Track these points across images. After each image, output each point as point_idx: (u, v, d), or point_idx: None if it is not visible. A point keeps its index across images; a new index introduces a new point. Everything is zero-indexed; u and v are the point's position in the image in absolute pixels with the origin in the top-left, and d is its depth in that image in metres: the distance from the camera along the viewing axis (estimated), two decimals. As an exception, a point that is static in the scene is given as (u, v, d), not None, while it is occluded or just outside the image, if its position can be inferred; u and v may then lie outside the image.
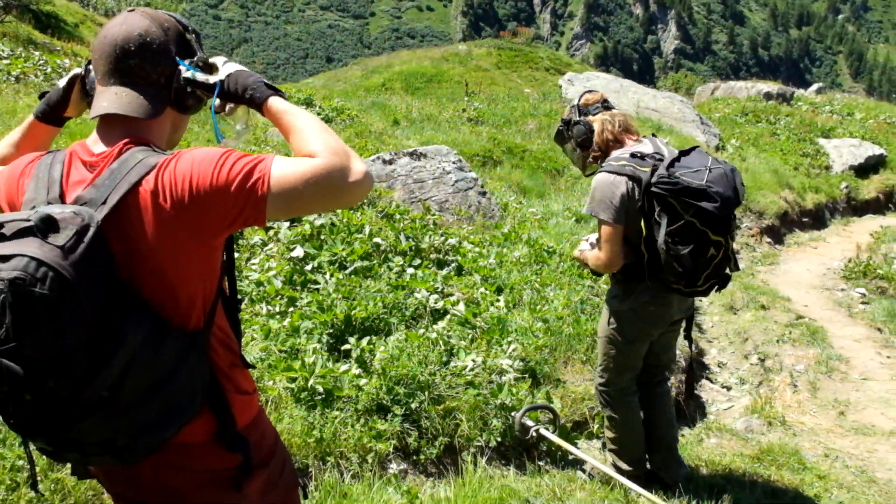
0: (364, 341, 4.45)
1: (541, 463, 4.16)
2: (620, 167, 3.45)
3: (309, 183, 1.51)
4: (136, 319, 1.48)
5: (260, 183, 1.51)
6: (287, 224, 6.11)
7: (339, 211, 6.53)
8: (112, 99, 1.63)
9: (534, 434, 4.03)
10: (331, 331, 4.60)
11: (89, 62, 1.76)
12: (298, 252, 5.57)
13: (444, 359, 4.47)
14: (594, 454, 4.24)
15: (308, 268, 5.47)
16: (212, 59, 1.80)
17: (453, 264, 6.16)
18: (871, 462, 4.55)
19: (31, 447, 1.67)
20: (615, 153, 3.59)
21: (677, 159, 3.39)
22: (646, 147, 3.57)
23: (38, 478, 2.90)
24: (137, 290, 1.53)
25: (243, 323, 4.61)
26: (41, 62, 13.24)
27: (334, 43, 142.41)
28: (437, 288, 5.46)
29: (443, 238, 6.50)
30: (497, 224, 7.56)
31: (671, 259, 3.33)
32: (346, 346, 4.44)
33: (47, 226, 1.40)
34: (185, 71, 1.70)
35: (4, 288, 1.32)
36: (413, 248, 6.14)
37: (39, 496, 2.80)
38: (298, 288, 5.19)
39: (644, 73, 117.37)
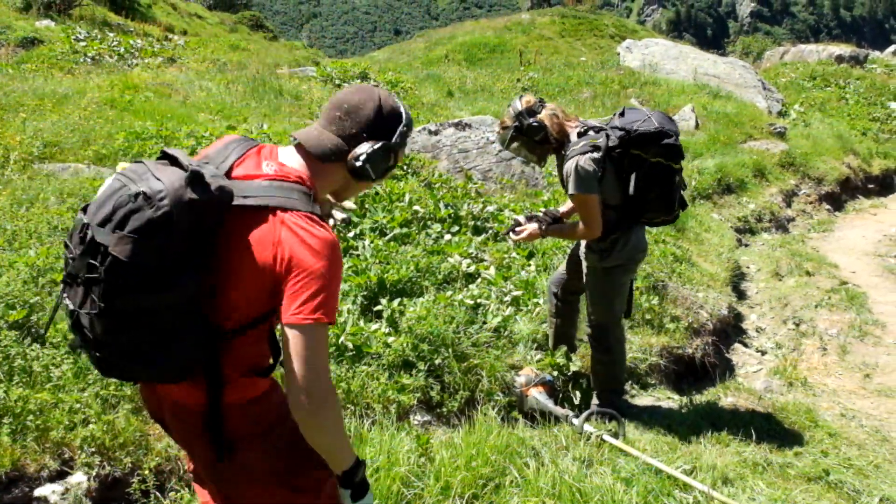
0: (395, 302, 4.73)
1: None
2: (583, 147, 3.87)
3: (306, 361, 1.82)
4: (196, 277, 1.79)
5: (314, 313, 1.81)
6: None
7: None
8: (308, 132, 2.03)
9: (596, 439, 3.98)
10: (365, 293, 4.90)
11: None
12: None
13: (470, 318, 4.73)
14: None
15: (350, 235, 5.78)
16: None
17: (491, 231, 6.39)
18: (888, 423, 4.61)
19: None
20: (573, 138, 3.98)
21: (622, 116, 3.93)
22: (588, 122, 4.05)
23: (93, 420, 3.28)
24: (212, 265, 1.84)
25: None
26: (115, 43, 13.92)
27: (402, 15, 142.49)
28: (471, 253, 5.70)
29: (482, 206, 6.73)
30: (537, 192, 7.73)
31: (655, 197, 3.91)
32: (378, 307, 4.74)
33: (195, 178, 1.76)
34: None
35: (132, 198, 1.71)
36: (452, 215, 6.39)
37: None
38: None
39: (718, 38, 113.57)
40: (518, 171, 8.06)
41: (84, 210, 1.80)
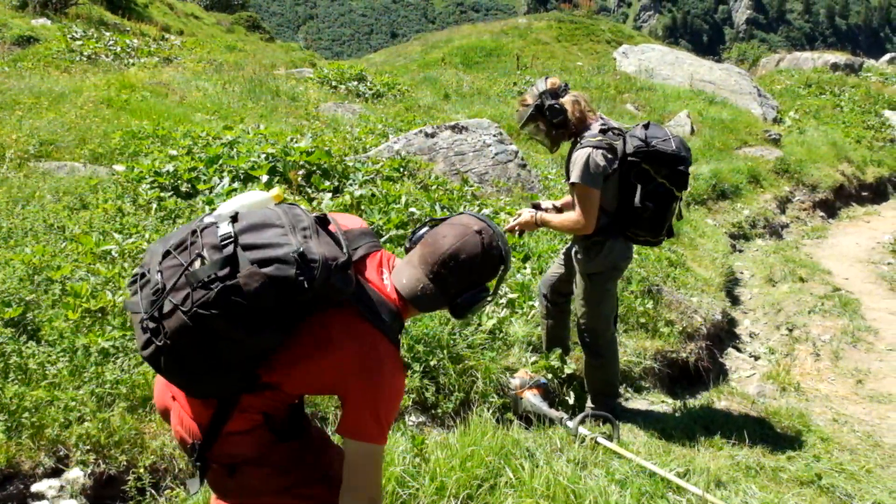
0: (390, 304, 4.73)
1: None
2: (599, 142, 3.86)
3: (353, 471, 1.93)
4: (280, 336, 1.82)
5: (356, 430, 1.90)
6: (329, 195, 6.43)
7: (378, 182, 6.84)
8: (412, 283, 2.04)
9: (590, 441, 3.98)
10: (360, 294, 4.89)
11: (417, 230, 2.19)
12: (337, 221, 5.89)
13: (465, 320, 4.74)
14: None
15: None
16: None
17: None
18: (880, 428, 4.64)
19: None
20: (592, 129, 3.96)
21: (646, 129, 3.91)
22: (610, 122, 4.01)
23: (88, 418, 3.28)
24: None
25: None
26: (111, 42, 13.90)
27: (399, 18, 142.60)
28: (466, 255, 5.70)
29: (478, 209, 6.75)
30: (534, 195, 7.75)
31: (647, 216, 3.89)
32: (375, 308, 4.74)
33: (346, 266, 1.82)
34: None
35: (292, 254, 1.75)
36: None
37: None
38: (336, 255, 5.50)
39: (714, 45, 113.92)
40: (514, 175, 8.09)
41: (234, 219, 1.81)
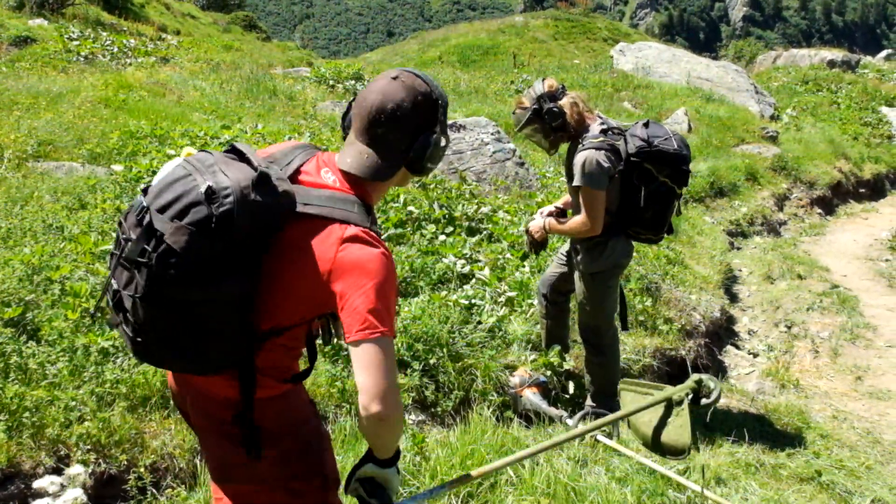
0: (390, 302, 4.73)
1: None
2: (601, 143, 3.84)
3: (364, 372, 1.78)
4: (244, 278, 1.76)
5: (357, 328, 1.76)
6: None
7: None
8: (355, 157, 1.93)
9: (590, 439, 4.02)
10: (360, 292, 4.89)
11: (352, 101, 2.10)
12: (335, 220, 5.89)
13: (464, 318, 4.74)
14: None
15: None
16: None
17: (485, 232, 6.41)
18: (880, 424, 4.65)
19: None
20: (592, 130, 3.94)
21: (646, 127, 3.91)
22: (610, 122, 4.00)
23: (88, 417, 3.28)
24: (261, 268, 1.82)
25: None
26: (108, 42, 13.87)
27: (395, 17, 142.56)
28: (465, 254, 5.72)
29: (476, 207, 6.75)
30: (531, 194, 7.75)
31: (649, 215, 3.90)
32: (373, 307, 4.73)
33: (262, 179, 1.75)
34: None
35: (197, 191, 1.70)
36: (446, 216, 6.39)
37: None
38: (335, 254, 5.51)
39: (711, 42, 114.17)
40: (512, 173, 8.09)
41: (144, 192, 1.78)
